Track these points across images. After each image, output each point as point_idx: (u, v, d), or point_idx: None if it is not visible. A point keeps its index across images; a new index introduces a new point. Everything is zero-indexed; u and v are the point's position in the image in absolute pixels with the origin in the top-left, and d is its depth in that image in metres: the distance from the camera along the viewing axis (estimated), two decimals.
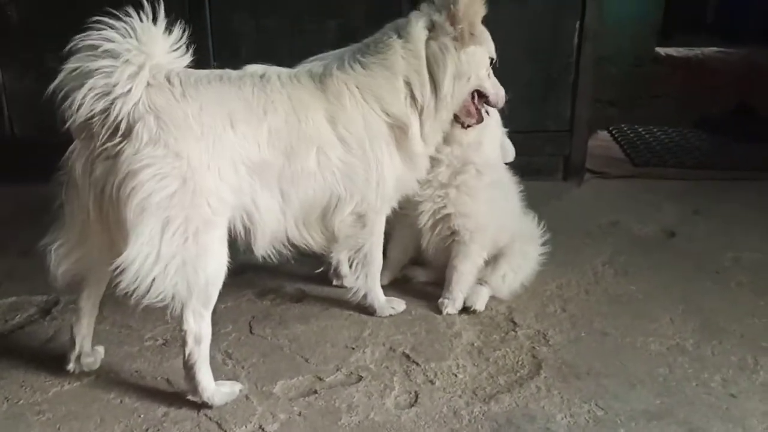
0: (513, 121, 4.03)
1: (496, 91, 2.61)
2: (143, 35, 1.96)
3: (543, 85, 4.00)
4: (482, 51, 2.51)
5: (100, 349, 2.34)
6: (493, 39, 3.81)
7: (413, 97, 2.41)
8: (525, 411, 2.17)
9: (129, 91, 1.94)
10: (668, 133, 5.12)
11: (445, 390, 2.26)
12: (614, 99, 5.80)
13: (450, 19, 2.39)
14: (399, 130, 2.43)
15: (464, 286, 2.74)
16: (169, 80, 2.04)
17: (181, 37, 2.06)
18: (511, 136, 4.13)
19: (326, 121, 2.31)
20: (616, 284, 2.97)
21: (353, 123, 2.35)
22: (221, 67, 2.42)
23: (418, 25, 2.41)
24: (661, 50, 5.91)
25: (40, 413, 2.12)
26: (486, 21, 3.76)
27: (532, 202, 3.03)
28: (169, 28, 2.02)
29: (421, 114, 2.45)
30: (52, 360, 2.32)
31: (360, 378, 2.31)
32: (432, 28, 2.42)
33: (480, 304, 2.73)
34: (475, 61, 2.48)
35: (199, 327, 2.09)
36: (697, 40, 7.13)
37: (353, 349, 2.47)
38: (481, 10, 2.43)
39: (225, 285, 2.75)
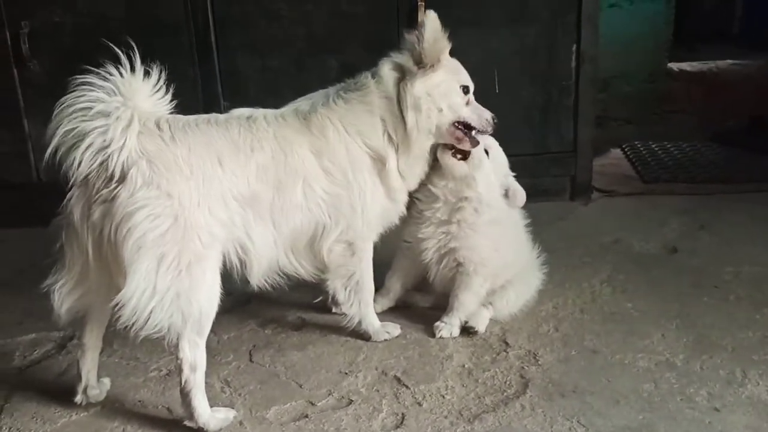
0: (517, 144, 4.13)
1: (479, 114, 2.67)
2: (126, 90, 2.14)
3: (544, 109, 4.08)
4: (449, 80, 2.60)
5: (106, 381, 2.48)
6: (490, 66, 3.93)
7: (389, 135, 2.55)
8: (507, 430, 2.22)
9: (124, 143, 2.11)
10: (682, 148, 5.12)
11: (432, 411, 2.33)
12: (629, 117, 5.83)
13: (415, 58, 2.52)
14: (380, 163, 2.56)
15: (463, 314, 2.80)
16: (158, 126, 2.22)
17: (159, 80, 2.22)
18: (517, 159, 4.22)
19: (311, 154, 2.46)
20: (612, 302, 3.00)
21: (337, 154, 2.50)
22: (232, 106, 2.61)
23: (385, 68, 2.58)
24: (675, 65, 5.91)
25: None
26: (482, 50, 3.89)
27: (538, 223, 3.08)
28: (147, 74, 2.19)
29: (397, 150, 2.58)
30: (64, 392, 2.46)
31: (350, 402, 2.40)
32: (399, 70, 2.56)
33: (482, 326, 2.80)
34: (441, 91, 2.57)
35: (194, 355, 2.22)
36: (723, 52, 7.11)
37: (346, 374, 2.56)
38: (446, 46, 2.56)
39: (230, 316, 2.92)
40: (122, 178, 2.12)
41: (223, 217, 2.26)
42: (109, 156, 2.11)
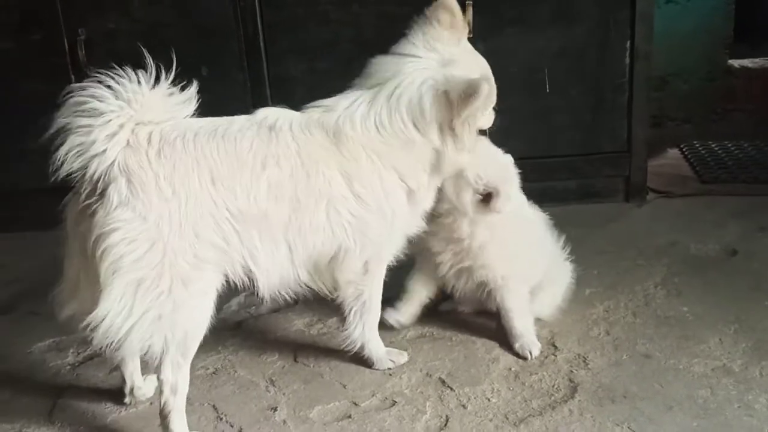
0: (568, 144, 4.06)
1: None
2: (133, 98, 2.03)
3: (596, 108, 3.97)
4: None
5: (155, 378, 2.49)
6: (540, 65, 3.88)
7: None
8: None
9: (104, 151, 2.00)
10: (743, 147, 4.93)
11: (477, 414, 2.29)
12: (688, 116, 5.64)
13: None
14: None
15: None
16: (149, 139, 2.06)
17: (184, 93, 2.13)
18: (568, 159, 4.15)
19: (340, 176, 2.26)
20: (666, 305, 2.90)
21: (370, 181, 2.29)
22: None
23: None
24: (736, 62, 5.69)
25: None
26: (531, 48, 3.83)
27: (589, 225, 2.96)
28: (172, 88, 2.10)
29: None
30: (114, 389, 2.51)
31: (394, 403, 2.38)
32: None
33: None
34: None
35: (176, 378, 2.12)
36: None
37: (390, 375, 2.54)
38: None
39: (276, 316, 2.95)
40: (102, 193, 2.00)
41: (215, 239, 2.10)
42: (89, 162, 2.01)
